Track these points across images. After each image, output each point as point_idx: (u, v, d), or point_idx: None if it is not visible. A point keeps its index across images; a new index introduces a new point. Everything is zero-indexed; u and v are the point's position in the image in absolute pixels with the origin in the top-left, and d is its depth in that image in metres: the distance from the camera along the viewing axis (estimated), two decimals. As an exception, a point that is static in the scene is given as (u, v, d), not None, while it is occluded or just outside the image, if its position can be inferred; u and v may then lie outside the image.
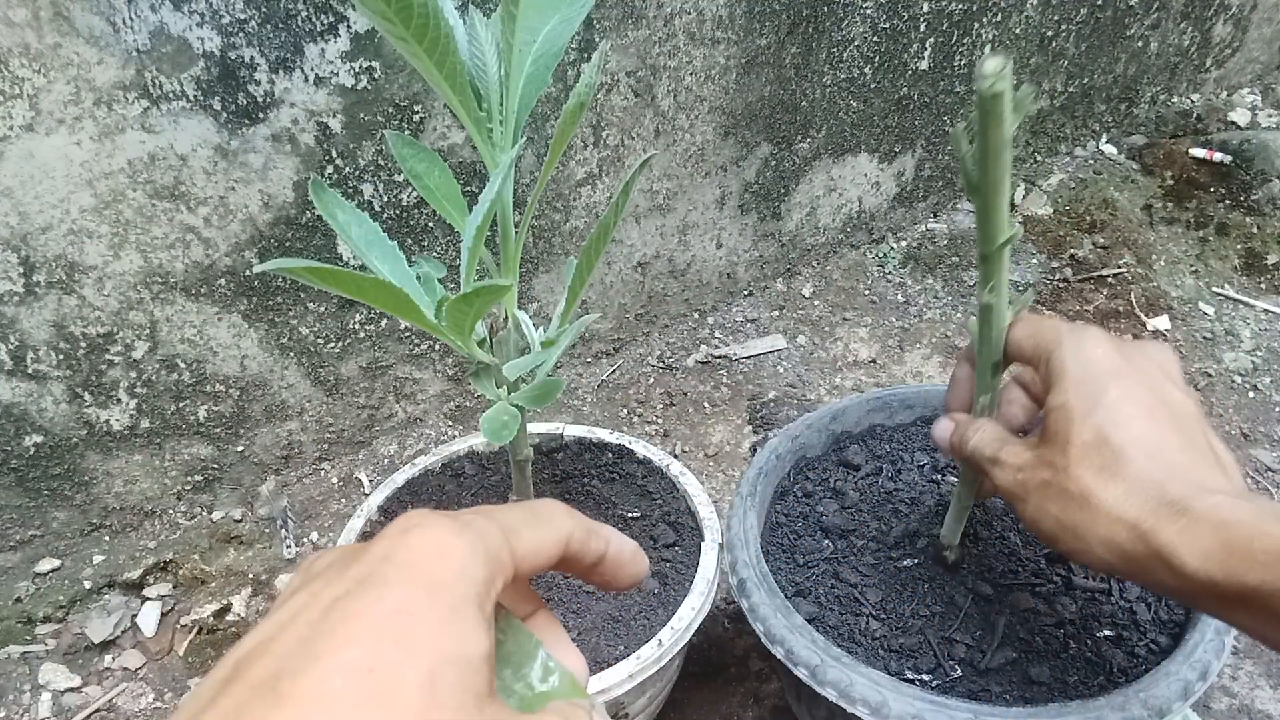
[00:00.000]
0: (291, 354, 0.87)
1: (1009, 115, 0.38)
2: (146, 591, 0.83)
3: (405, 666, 0.21)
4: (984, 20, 1.17)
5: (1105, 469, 0.40)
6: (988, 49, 1.20)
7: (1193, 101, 1.54)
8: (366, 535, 0.64)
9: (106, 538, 0.85)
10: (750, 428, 1.00)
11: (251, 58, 0.72)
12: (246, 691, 0.20)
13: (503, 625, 0.28)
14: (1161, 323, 1.14)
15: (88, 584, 0.82)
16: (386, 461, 0.96)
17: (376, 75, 0.78)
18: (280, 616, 0.23)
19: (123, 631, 0.80)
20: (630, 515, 0.68)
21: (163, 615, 0.82)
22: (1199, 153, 1.36)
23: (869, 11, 1.05)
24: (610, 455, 0.72)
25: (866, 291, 1.21)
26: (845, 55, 1.07)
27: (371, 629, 0.21)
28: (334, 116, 0.78)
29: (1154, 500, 0.38)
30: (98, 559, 0.84)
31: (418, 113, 0.81)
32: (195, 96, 0.71)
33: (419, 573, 0.23)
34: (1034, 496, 0.43)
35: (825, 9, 1.02)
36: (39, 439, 0.78)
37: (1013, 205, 1.35)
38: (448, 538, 0.24)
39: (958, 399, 0.53)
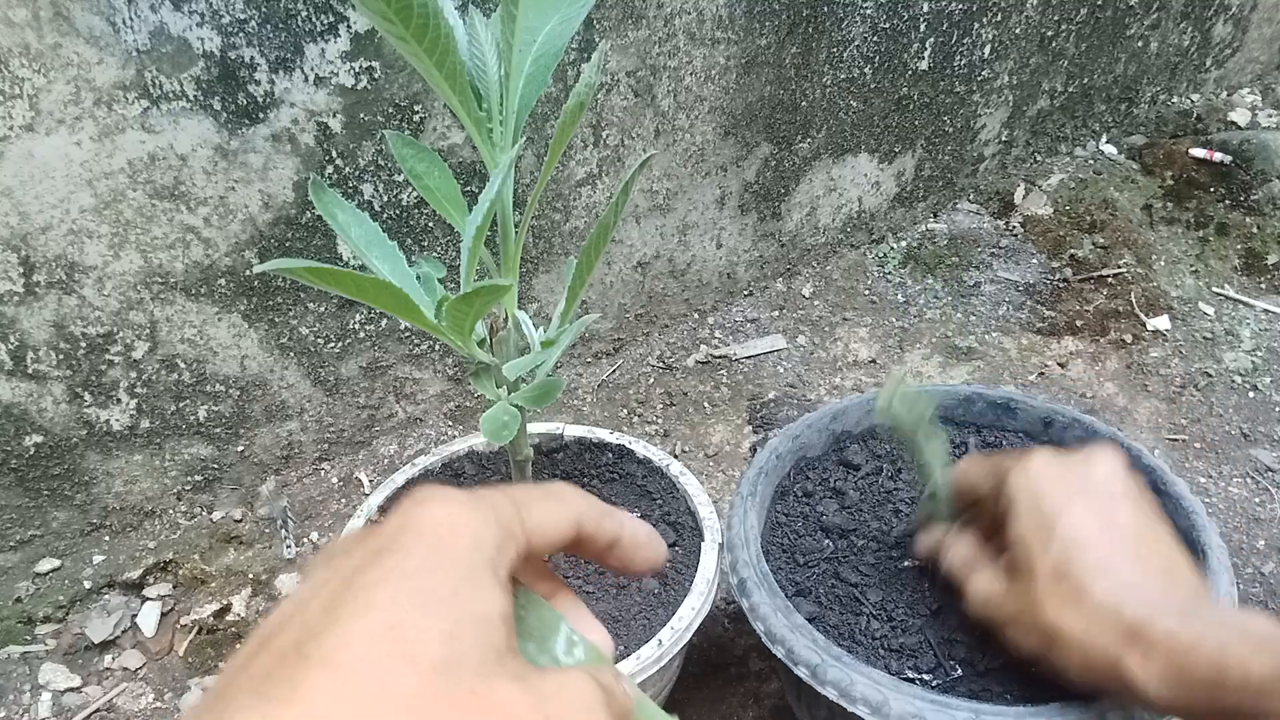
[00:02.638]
0: (291, 354, 0.87)
1: (906, 421, 0.52)
2: (146, 591, 0.83)
3: (426, 625, 0.22)
4: (984, 20, 1.17)
5: (1069, 602, 0.44)
6: (988, 49, 1.21)
7: (1193, 101, 1.54)
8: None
9: (106, 538, 0.85)
10: (750, 428, 1.00)
11: (251, 58, 0.72)
12: (274, 658, 0.21)
13: (523, 601, 0.28)
14: (1161, 323, 1.14)
15: (88, 584, 0.82)
16: (386, 461, 0.96)
17: (376, 75, 0.78)
18: (304, 592, 0.24)
19: (123, 631, 0.80)
20: (630, 515, 0.68)
21: (163, 615, 0.82)
22: (1199, 153, 1.36)
23: (869, 11, 1.05)
24: (610, 455, 0.72)
25: (866, 291, 1.21)
26: (845, 55, 1.07)
27: (391, 592, 0.22)
28: (334, 116, 0.78)
29: (1115, 629, 0.42)
30: (98, 559, 0.84)
31: (418, 113, 0.81)
32: (195, 96, 0.71)
33: (434, 540, 0.24)
34: (1009, 628, 0.48)
35: (825, 9, 1.02)
36: (39, 439, 0.78)
37: (1013, 205, 1.35)
38: (460, 508, 0.25)
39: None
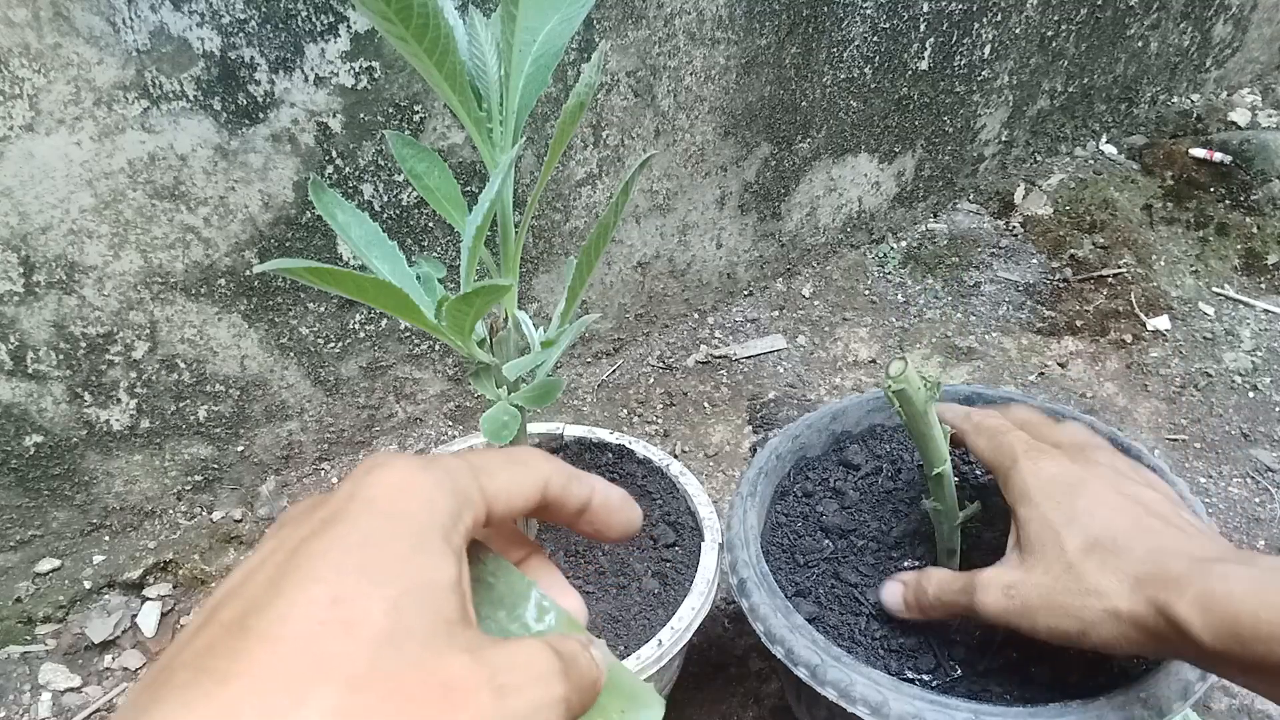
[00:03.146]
0: (291, 354, 0.87)
1: (918, 396, 0.50)
2: (146, 591, 0.83)
3: (370, 596, 0.21)
4: (984, 20, 1.17)
5: (1107, 564, 0.43)
6: (988, 49, 1.21)
7: (1193, 101, 1.54)
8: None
9: (106, 538, 0.85)
10: (750, 428, 1.00)
11: (251, 58, 0.72)
12: (217, 631, 0.21)
13: (493, 568, 0.28)
14: (1161, 323, 1.14)
15: (88, 584, 0.82)
16: (386, 461, 0.96)
17: (376, 75, 0.78)
18: (250, 563, 0.23)
19: (123, 631, 0.80)
20: (630, 515, 0.67)
21: (163, 615, 0.82)
22: (1199, 153, 1.36)
23: (869, 11, 1.05)
24: (610, 455, 0.72)
25: (866, 291, 1.21)
26: (845, 55, 1.07)
27: (335, 563, 0.22)
28: (334, 116, 0.78)
29: (1162, 579, 0.41)
30: (98, 559, 0.84)
31: (418, 113, 0.81)
32: (195, 96, 0.71)
33: (383, 507, 0.23)
34: (1040, 606, 0.44)
35: (825, 9, 1.02)
36: (39, 439, 0.78)
37: (1013, 205, 1.35)
38: (411, 473, 0.24)
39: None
